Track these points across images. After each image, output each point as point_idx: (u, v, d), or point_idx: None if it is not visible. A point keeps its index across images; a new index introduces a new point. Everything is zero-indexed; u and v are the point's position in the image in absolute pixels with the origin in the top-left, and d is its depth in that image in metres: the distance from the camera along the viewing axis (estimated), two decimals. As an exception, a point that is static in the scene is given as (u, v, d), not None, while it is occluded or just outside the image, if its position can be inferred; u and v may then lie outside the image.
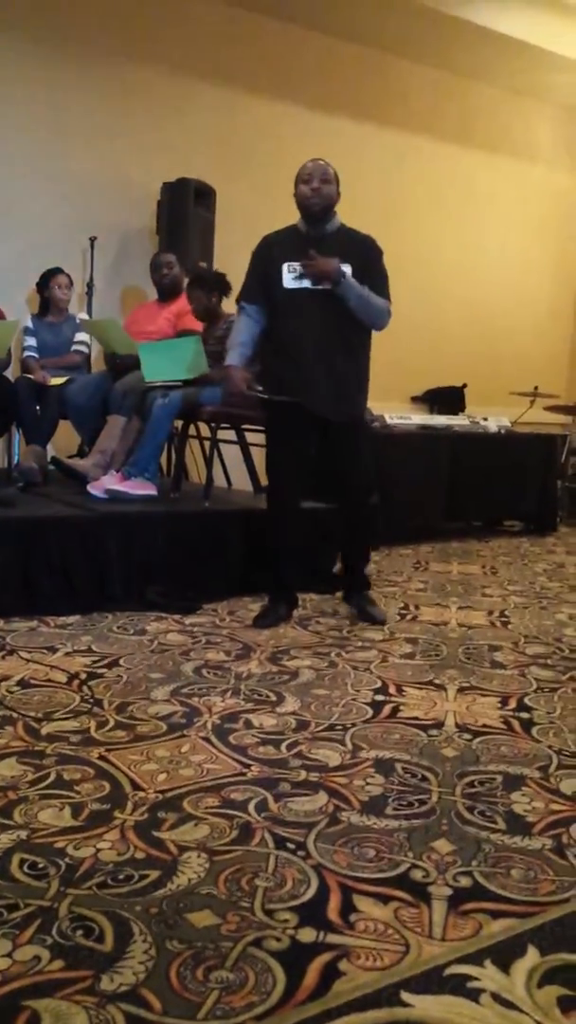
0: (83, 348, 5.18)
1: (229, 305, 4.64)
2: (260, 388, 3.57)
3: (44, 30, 5.53)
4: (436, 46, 6.81)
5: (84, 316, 5.38)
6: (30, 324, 5.14)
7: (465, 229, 7.63)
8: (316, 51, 6.58)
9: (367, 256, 3.48)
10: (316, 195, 3.41)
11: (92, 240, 5.70)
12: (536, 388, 6.92)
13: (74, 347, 5.15)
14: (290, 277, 3.43)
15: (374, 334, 3.58)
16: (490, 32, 6.56)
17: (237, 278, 4.52)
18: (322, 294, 3.39)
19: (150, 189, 5.81)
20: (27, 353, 5.10)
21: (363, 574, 3.85)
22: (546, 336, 8.34)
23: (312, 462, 3.65)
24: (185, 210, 5.61)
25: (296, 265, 3.40)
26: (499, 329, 7.90)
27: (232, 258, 4.88)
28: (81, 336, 5.16)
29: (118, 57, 5.80)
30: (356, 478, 3.65)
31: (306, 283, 3.41)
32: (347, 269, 3.37)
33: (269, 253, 3.51)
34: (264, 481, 4.75)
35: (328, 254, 3.36)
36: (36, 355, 5.07)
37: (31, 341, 5.11)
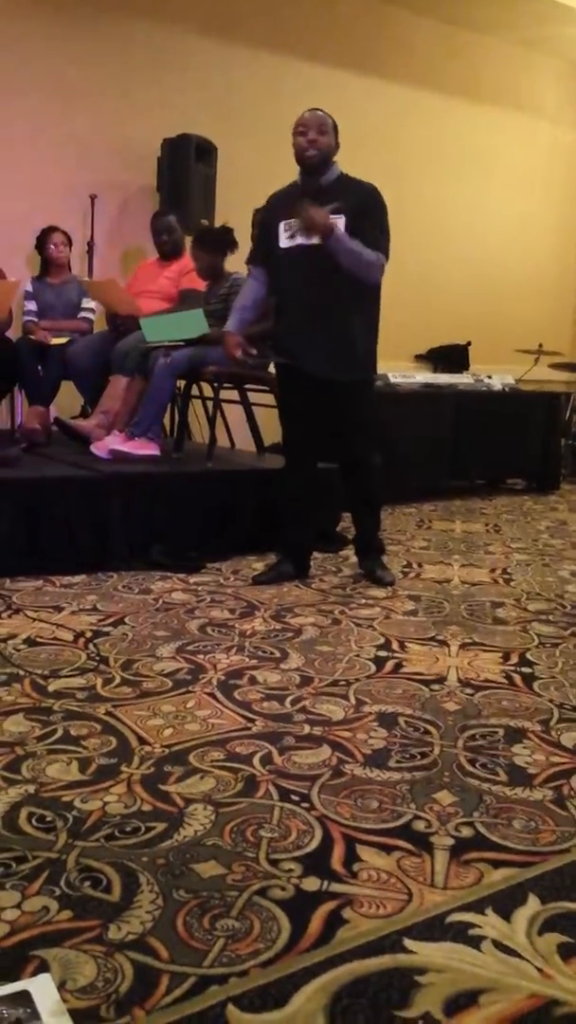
0: (90, 315, 5.15)
1: (232, 263, 4.61)
2: (255, 352, 3.58)
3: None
4: (441, -2, 6.68)
5: (84, 279, 5.35)
6: (30, 288, 5.11)
7: (470, 185, 7.54)
8: (318, 4, 6.47)
9: (364, 203, 3.35)
10: (312, 146, 3.33)
11: (92, 198, 5.65)
12: (540, 345, 6.88)
13: (81, 314, 5.12)
14: (285, 236, 3.39)
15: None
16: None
17: (238, 233, 4.50)
18: (315, 252, 3.30)
19: (150, 146, 5.74)
20: (27, 317, 5.07)
21: (374, 538, 3.79)
22: (551, 293, 8.27)
23: (326, 422, 3.61)
24: (186, 167, 5.55)
25: (292, 222, 3.34)
26: (503, 286, 7.82)
27: (234, 215, 4.84)
28: (88, 303, 5.13)
29: (117, 13, 5.69)
30: (355, 439, 3.59)
31: (300, 240, 3.34)
32: (340, 222, 3.27)
33: (270, 213, 3.47)
34: (267, 441, 4.77)
35: (324, 204, 3.27)
36: (36, 318, 5.05)
37: (31, 305, 5.09)
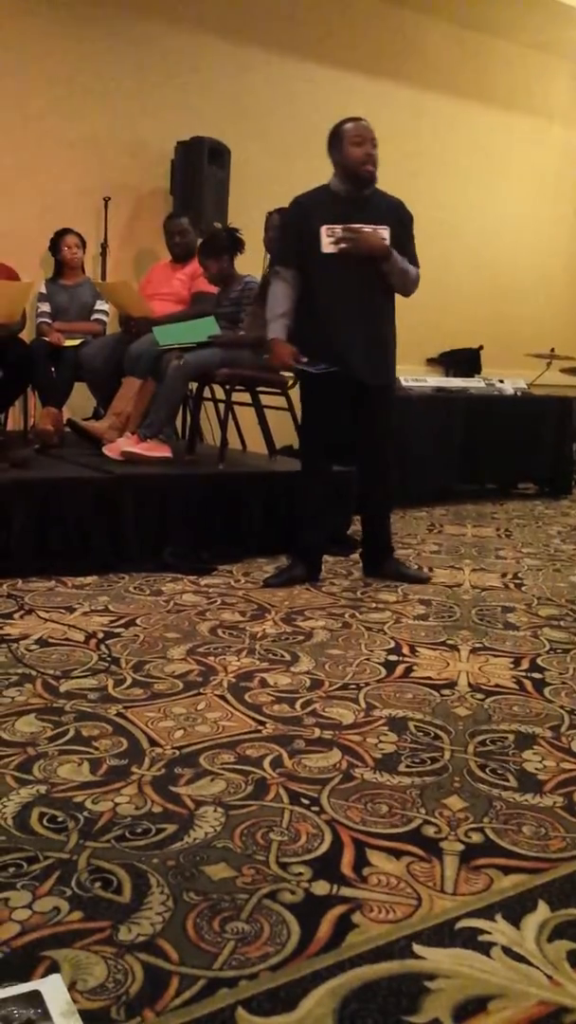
0: (103, 317, 5.17)
1: (242, 264, 4.62)
2: (305, 360, 3.44)
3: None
4: (454, 1, 6.67)
5: (98, 281, 5.37)
6: (43, 289, 5.13)
7: (481, 188, 7.53)
8: (331, 7, 6.47)
9: (402, 221, 3.46)
10: (371, 160, 3.33)
11: (106, 200, 5.67)
12: (552, 350, 6.86)
13: (94, 316, 5.15)
14: (328, 241, 3.36)
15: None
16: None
17: (251, 236, 4.51)
18: (357, 259, 3.34)
19: (164, 148, 5.76)
20: (40, 319, 5.09)
21: (390, 539, 3.85)
22: (563, 297, 8.25)
23: (349, 427, 3.64)
24: (199, 169, 5.56)
25: (336, 229, 3.33)
26: (515, 290, 7.82)
27: (246, 217, 4.85)
28: (101, 305, 5.15)
29: (131, 15, 5.72)
30: (381, 443, 3.66)
31: (344, 248, 3.35)
32: (386, 232, 3.35)
33: (304, 215, 3.42)
34: (278, 443, 4.77)
35: (368, 219, 3.34)
36: (49, 320, 5.07)
37: (44, 307, 5.12)
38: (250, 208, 4.90)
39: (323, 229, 3.35)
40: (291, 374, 3.62)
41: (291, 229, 3.48)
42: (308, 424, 3.64)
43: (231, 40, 6.10)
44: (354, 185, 3.39)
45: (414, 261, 3.50)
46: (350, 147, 3.34)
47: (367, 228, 3.34)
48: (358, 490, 3.90)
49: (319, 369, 3.40)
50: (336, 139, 3.38)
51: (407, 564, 3.89)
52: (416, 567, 3.92)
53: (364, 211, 3.37)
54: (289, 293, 3.46)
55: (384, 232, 3.37)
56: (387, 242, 3.36)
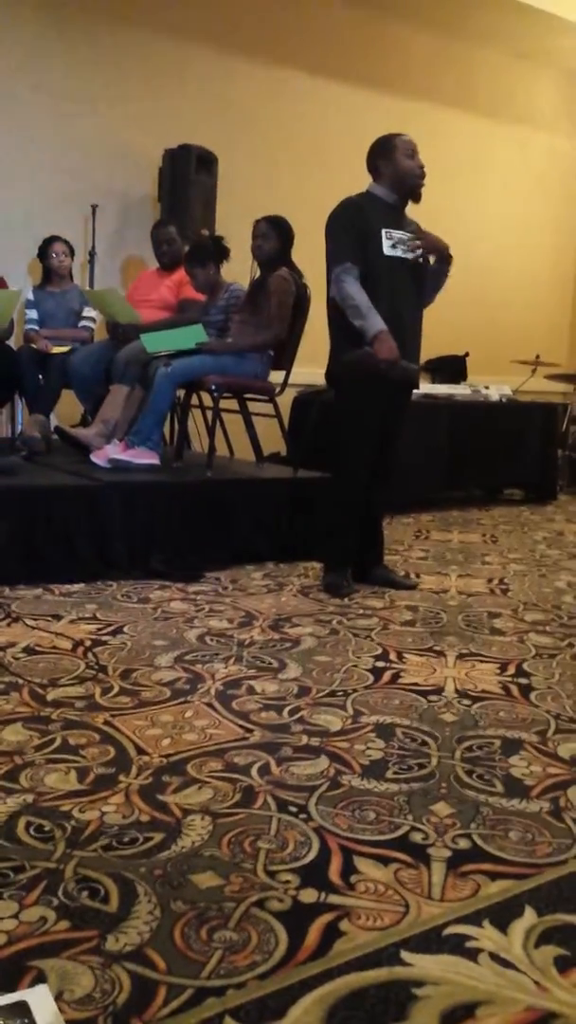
0: (91, 324, 5.17)
1: (230, 272, 4.63)
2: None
3: (43, -6, 5.47)
4: (437, 10, 6.73)
5: (85, 288, 5.37)
6: (31, 296, 5.13)
7: (467, 195, 7.56)
8: (316, 15, 6.50)
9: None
10: (424, 175, 3.49)
11: (94, 208, 5.67)
12: (538, 356, 6.90)
13: (82, 323, 5.15)
14: (388, 244, 3.44)
15: None
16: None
17: (238, 244, 4.52)
18: (410, 263, 3.48)
19: (152, 156, 5.77)
20: (28, 326, 5.09)
21: (382, 546, 3.89)
22: (547, 304, 8.30)
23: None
24: (187, 177, 5.57)
25: (395, 233, 3.44)
26: (501, 297, 7.85)
27: (234, 224, 4.86)
28: (89, 312, 5.15)
29: (118, 22, 5.73)
30: (396, 445, 3.71)
31: (398, 251, 3.46)
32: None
33: (364, 217, 3.44)
34: (266, 451, 4.78)
35: (409, 228, 3.50)
36: (37, 327, 5.07)
37: (32, 313, 5.11)
38: (238, 215, 4.91)
39: (383, 231, 3.43)
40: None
41: (349, 228, 3.43)
42: (361, 428, 3.53)
43: (219, 49, 6.12)
44: (403, 195, 3.51)
45: None
46: (403, 159, 3.46)
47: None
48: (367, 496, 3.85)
49: (405, 364, 3.45)
50: (388, 149, 3.48)
51: (395, 571, 3.90)
52: (403, 573, 3.93)
53: (407, 222, 3.53)
54: (362, 289, 3.39)
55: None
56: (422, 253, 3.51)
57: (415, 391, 3.76)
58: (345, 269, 3.40)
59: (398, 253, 3.45)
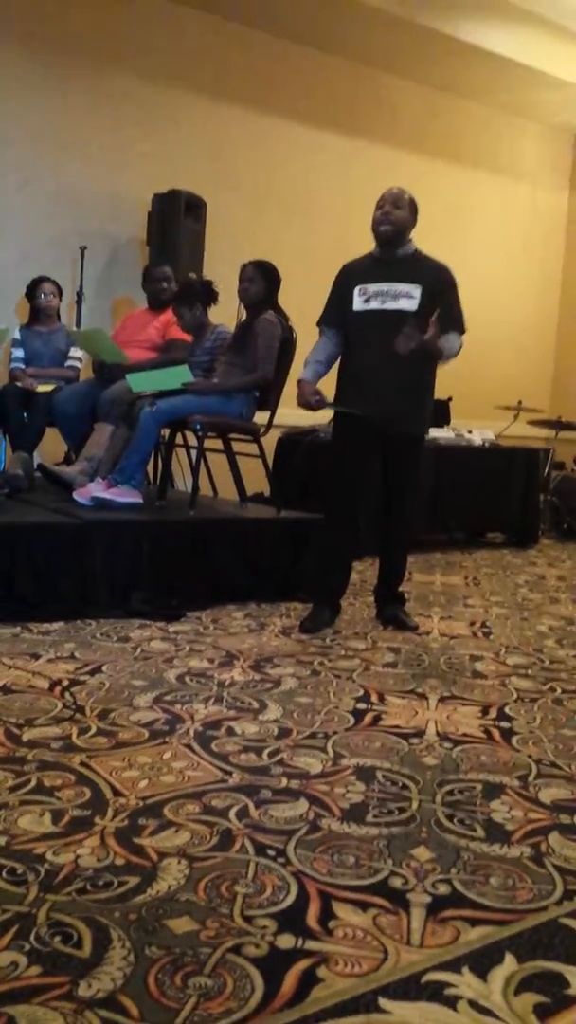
0: (76, 364, 5.20)
1: (218, 315, 4.67)
2: (329, 401, 3.64)
3: (37, 41, 5.57)
4: (425, 63, 6.87)
5: (72, 329, 5.40)
6: (18, 335, 5.15)
7: (451, 244, 7.59)
8: (307, 66, 6.63)
9: (440, 281, 3.59)
10: (385, 219, 3.55)
11: (82, 249, 5.71)
12: (520, 402, 6.97)
13: (68, 363, 5.17)
14: (360, 300, 3.56)
15: None
16: (479, 50, 6.62)
17: (225, 287, 4.56)
18: (387, 315, 3.50)
19: (141, 200, 5.84)
20: (14, 364, 5.11)
21: (399, 589, 3.95)
22: (530, 352, 8.40)
23: (375, 477, 3.73)
24: (176, 221, 5.64)
25: (370, 288, 3.54)
26: (484, 344, 7.90)
27: (221, 268, 4.91)
28: (75, 352, 5.18)
29: (111, 68, 5.83)
30: (406, 491, 3.76)
31: (373, 305, 3.54)
32: (416, 291, 3.50)
33: (345, 279, 3.65)
34: (249, 491, 4.78)
35: (398, 278, 3.52)
36: (23, 365, 5.09)
37: (18, 352, 5.13)
38: (225, 259, 4.97)
39: (356, 289, 3.58)
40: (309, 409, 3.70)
41: (335, 292, 3.70)
42: (335, 468, 3.73)
43: (209, 96, 6.23)
44: (379, 244, 3.61)
45: (458, 324, 3.63)
46: (375, 211, 3.59)
47: (400, 287, 3.51)
48: (380, 537, 3.94)
49: (345, 409, 3.56)
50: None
51: (407, 613, 3.92)
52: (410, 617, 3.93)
53: (395, 271, 3.55)
54: (328, 348, 3.70)
55: (414, 291, 3.51)
56: (415, 301, 3.50)
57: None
58: (320, 330, 3.75)
59: (372, 306, 3.55)
